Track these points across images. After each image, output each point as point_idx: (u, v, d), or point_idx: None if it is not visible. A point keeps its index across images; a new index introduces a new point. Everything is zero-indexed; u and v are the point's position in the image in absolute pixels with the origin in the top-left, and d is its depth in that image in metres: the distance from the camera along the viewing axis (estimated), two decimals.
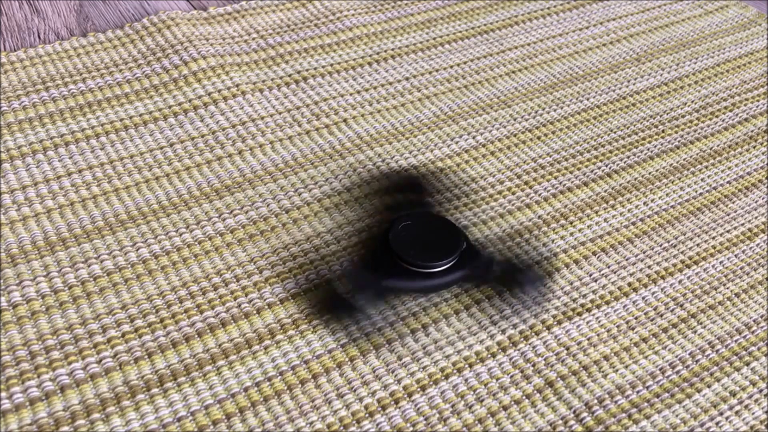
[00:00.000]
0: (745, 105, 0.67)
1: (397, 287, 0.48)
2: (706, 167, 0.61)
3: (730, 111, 0.67)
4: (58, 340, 0.45)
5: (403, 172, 0.57)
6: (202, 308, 0.47)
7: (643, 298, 0.50)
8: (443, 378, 0.45)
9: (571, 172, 0.59)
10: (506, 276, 0.49)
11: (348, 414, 0.43)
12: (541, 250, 0.52)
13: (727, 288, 0.52)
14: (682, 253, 0.54)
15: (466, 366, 0.46)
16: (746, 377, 0.47)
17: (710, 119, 0.65)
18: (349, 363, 0.45)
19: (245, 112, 0.61)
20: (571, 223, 0.55)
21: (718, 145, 0.63)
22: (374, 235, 0.52)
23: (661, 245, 0.54)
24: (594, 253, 0.53)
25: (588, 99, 0.66)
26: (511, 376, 0.45)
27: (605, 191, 0.58)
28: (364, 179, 0.56)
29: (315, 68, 0.66)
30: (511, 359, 0.46)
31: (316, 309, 0.47)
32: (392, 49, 0.69)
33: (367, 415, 0.43)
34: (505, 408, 0.44)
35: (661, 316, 0.50)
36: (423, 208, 0.53)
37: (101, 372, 0.43)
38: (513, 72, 0.68)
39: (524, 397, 0.44)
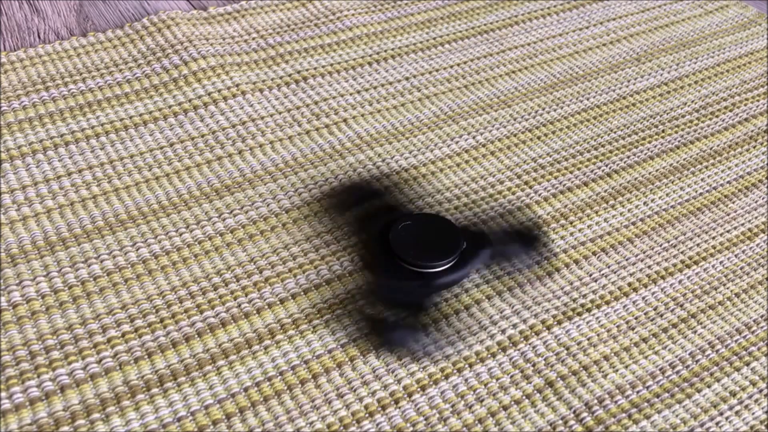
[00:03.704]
0: (745, 105, 0.67)
1: (398, 288, 0.48)
2: (706, 167, 0.61)
3: (730, 111, 0.67)
4: (58, 340, 0.45)
5: (360, 183, 0.56)
6: (202, 308, 0.47)
7: (643, 298, 0.50)
8: (443, 378, 0.45)
9: (571, 172, 0.59)
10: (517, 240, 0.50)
11: (348, 414, 0.43)
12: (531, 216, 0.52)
13: (727, 288, 0.52)
14: (682, 253, 0.54)
15: (466, 366, 0.46)
16: (746, 377, 0.47)
17: (710, 119, 0.65)
18: (349, 363, 0.45)
19: (245, 112, 0.61)
20: (571, 223, 0.55)
21: (718, 145, 0.63)
22: (374, 235, 0.52)
23: (661, 245, 0.54)
24: (594, 253, 0.53)
25: (588, 99, 0.66)
26: (511, 376, 0.45)
27: (605, 191, 0.58)
28: (325, 192, 0.55)
29: (315, 68, 0.66)
30: (511, 359, 0.46)
31: (369, 337, 0.46)
32: (392, 49, 0.69)
33: (367, 415, 0.43)
34: (505, 408, 0.44)
35: (661, 316, 0.50)
36: (393, 213, 0.53)
37: (101, 372, 0.43)
38: (513, 72, 0.68)
39: (524, 397, 0.44)
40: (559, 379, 0.45)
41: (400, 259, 0.48)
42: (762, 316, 0.50)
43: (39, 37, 0.67)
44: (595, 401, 0.45)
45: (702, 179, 0.60)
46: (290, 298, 0.48)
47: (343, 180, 0.56)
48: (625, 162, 0.60)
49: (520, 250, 0.51)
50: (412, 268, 0.48)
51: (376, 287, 0.48)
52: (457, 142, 0.61)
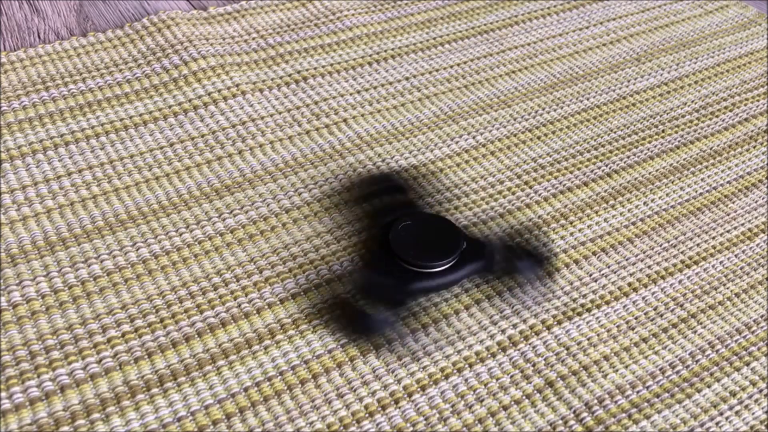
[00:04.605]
0: (745, 105, 0.67)
1: (397, 287, 0.48)
2: (706, 167, 0.61)
3: (730, 111, 0.67)
4: (58, 340, 0.45)
5: (385, 175, 0.56)
6: (202, 308, 0.47)
7: (643, 298, 0.50)
8: (443, 378, 0.45)
9: (571, 172, 0.59)
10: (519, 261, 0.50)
11: (348, 414, 0.43)
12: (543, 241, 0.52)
13: (727, 288, 0.52)
14: (682, 253, 0.54)
15: (466, 366, 0.46)
16: (746, 377, 0.47)
17: (710, 119, 0.65)
18: (349, 363, 0.45)
19: (245, 112, 0.61)
20: (571, 223, 0.55)
21: (718, 145, 0.63)
22: (374, 235, 0.52)
23: (661, 245, 0.54)
24: (594, 253, 0.53)
25: (588, 99, 0.66)
26: (511, 376, 0.45)
27: (605, 191, 0.58)
28: (348, 184, 0.55)
29: (315, 68, 0.66)
30: (511, 359, 0.46)
31: (341, 328, 0.47)
32: (392, 49, 0.70)
33: (367, 415, 0.43)
34: (505, 408, 0.44)
35: (661, 316, 0.50)
36: (410, 209, 0.53)
37: (101, 372, 0.43)
38: (513, 72, 0.68)
39: (524, 397, 0.44)
40: (559, 379, 0.45)
41: (400, 258, 0.48)
42: (762, 316, 0.50)
43: (39, 37, 0.67)
44: (595, 401, 0.45)
45: (702, 179, 0.60)
46: (290, 298, 0.48)
47: (371, 169, 0.56)
48: (625, 162, 0.60)
49: (526, 268, 0.50)
50: (412, 268, 0.48)
51: (362, 282, 0.48)
52: (457, 142, 0.61)
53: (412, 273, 0.48)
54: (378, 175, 0.56)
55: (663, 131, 0.64)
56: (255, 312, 0.47)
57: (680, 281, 0.52)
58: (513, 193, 0.57)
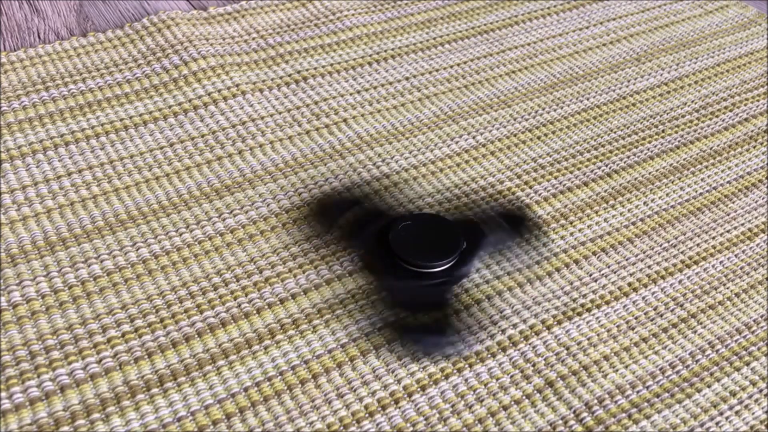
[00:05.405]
0: (745, 105, 0.67)
1: (399, 287, 0.48)
2: (706, 167, 0.61)
3: (730, 111, 0.67)
4: (58, 340, 0.45)
5: (343, 193, 0.55)
6: (202, 308, 0.47)
7: (643, 298, 0.50)
8: (443, 378, 0.45)
9: (571, 172, 0.59)
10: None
11: (348, 414, 0.43)
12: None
13: (727, 288, 0.52)
14: (682, 253, 0.54)
15: (466, 366, 0.46)
16: (746, 377, 0.47)
17: (710, 119, 0.65)
18: (349, 363, 0.45)
19: (245, 112, 0.61)
20: (571, 223, 0.55)
21: (718, 145, 0.63)
22: (374, 235, 0.52)
23: (661, 245, 0.54)
24: (594, 253, 0.53)
25: (588, 99, 0.66)
26: (511, 376, 0.45)
27: (605, 191, 0.58)
28: (310, 199, 0.54)
29: (315, 68, 0.66)
30: (511, 359, 0.46)
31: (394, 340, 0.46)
32: (392, 49, 0.70)
33: (367, 415, 0.43)
34: (505, 408, 0.44)
35: (661, 316, 0.50)
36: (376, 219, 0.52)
37: (101, 372, 0.43)
38: (513, 72, 0.68)
39: (524, 397, 0.44)
40: (559, 379, 0.45)
41: (400, 259, 0.48)
42: (762, 316, 0.50)
43: (39, 37, 0.67)
44: (595, 401, 0.45)
45: (702, 179, 0.60)
46: (290, 298, 0.48)
47: (318, 196, 0.55)
48: (625, 162, 0.60)
49: (510, 234, 0.51)
50: (412, 268, 0.48)
51: (392, 291, 0.48)
52: (457, 142, 0.61)
53: (413, 273, 0.48)
54: (331, 200, 0.55)
55: (663, 131, 0.64)
56: (255, 312, 0.47)
57: (680, 281, 0.52)
58: (513, 193, 0.57)
